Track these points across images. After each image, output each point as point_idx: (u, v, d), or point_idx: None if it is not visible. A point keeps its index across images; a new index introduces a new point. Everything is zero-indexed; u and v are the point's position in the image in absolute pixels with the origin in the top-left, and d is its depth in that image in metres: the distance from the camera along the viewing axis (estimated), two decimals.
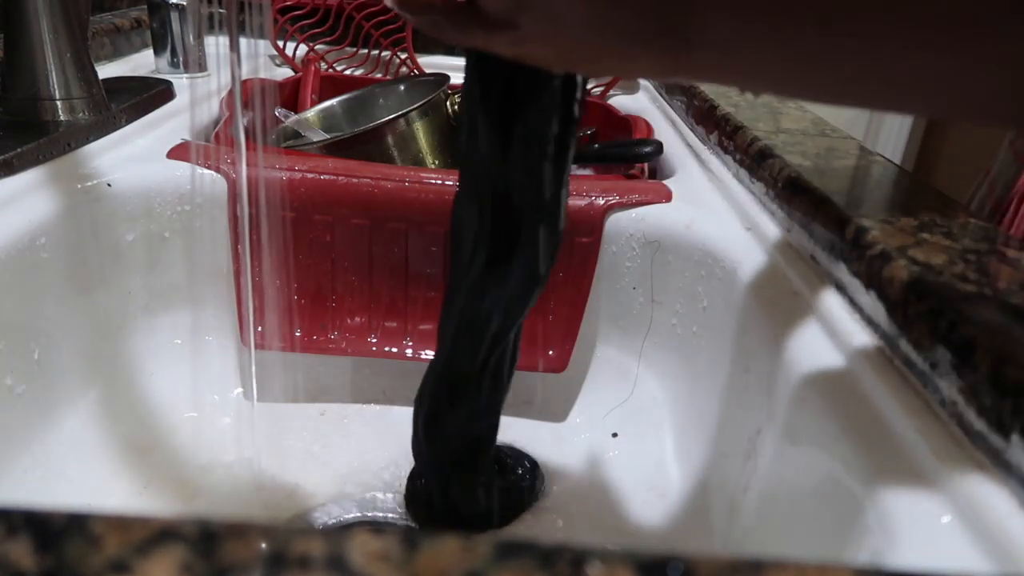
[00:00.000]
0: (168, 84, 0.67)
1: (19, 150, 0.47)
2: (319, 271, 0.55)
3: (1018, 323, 0.29)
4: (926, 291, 0.32)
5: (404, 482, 0.51)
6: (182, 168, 0.53)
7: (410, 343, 0.56)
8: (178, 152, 0.54)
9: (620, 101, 0.87)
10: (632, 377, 0.58)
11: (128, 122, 0.59)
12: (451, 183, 0.53)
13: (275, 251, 0.54)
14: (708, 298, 0.52)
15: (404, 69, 0.91)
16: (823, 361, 0.37)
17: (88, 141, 0.54)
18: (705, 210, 0.54)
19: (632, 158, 0.61)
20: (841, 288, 0.40)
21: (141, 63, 0.80)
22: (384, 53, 0.90)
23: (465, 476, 0.44)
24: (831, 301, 0.40)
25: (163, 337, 0.56)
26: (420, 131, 0.63)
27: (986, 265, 0.34)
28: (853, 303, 0.39)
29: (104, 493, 0.47)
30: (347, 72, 0.89)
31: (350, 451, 0.54)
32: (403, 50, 0.90)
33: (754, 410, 0.43)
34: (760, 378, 0.43)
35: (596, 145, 0.67)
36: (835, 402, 0.35)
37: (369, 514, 0.49)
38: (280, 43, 0.88)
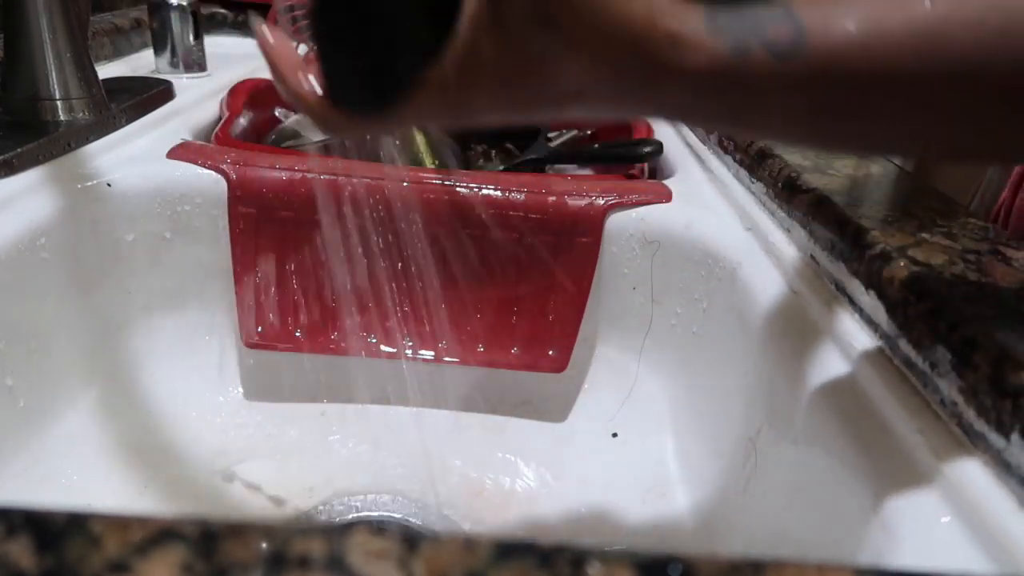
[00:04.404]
0: (168, 84, 0.67)
1: (19, 150, 0.47)
2: (319, 271, 0.55)
3: (1018, 323, 0.29)
4: (926, 291, 0.32)
5: (403, 483, 0.52)
6: (182, 168, 0.53)
7: (410, 343, 0.56)
8: (178, 152, 0.54)
9: None
10: (632, 377, 0.58)
11: (128, 122, 0.58)
12: (450, 183, 0.53)
13: (275, 251, 0.54)
14: (708, 298, 0.52)
15: None
16: (823, 361, 0.37)
17: (88, 141, 0.54)
18: (705, 210, 0.54)
19: (632, 158, 0.61)
20: (841, 288, 0.40)
21: (141, 63, 0.80)
22: None
23: None
24: (831, 301, 0.40)
25: (163, 337, 0.56)
26: (419, 131, 0.63)
27: (986, 265, 0.34)
28: (853, 303, 0.39)
29: (104, 493, 0.47)
30: None
31: (350, 451, 0.54)
32: None
33: (754, 410, 0.43)
34: (760, 378, 0.43)
35: (596, 145, 0.67)
36: (835, 402, 0.35)
37: (369, 514, 0.49)
38: None
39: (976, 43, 0.23)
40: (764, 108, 0.25)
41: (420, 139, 0.63)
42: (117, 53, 0.80)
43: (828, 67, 0.23)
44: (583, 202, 0.53)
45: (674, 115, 0.26)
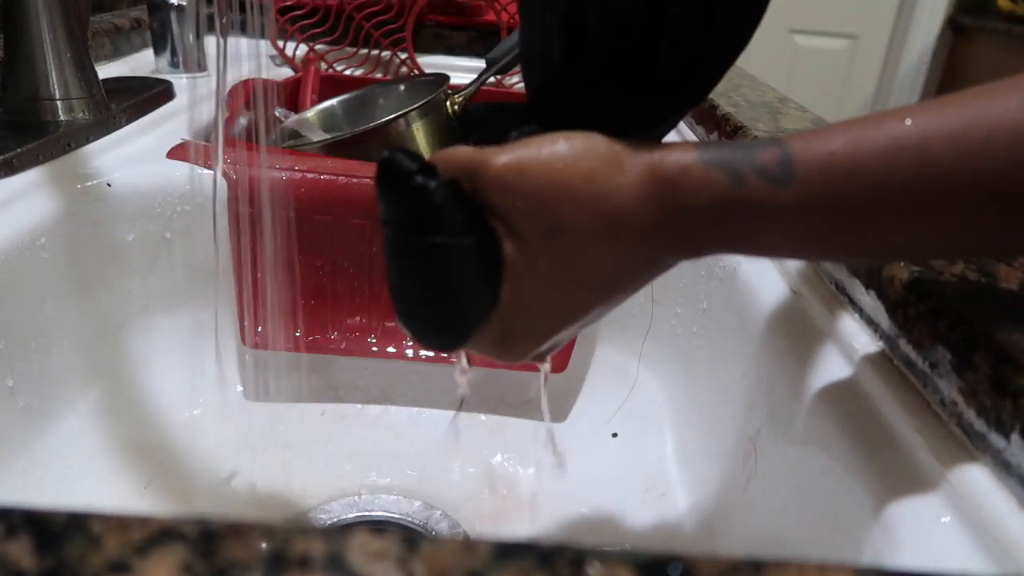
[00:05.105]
0: (168, 84, 0.67)
1: (19, 150, 0.47)
2: (319, 271, 0.55)
3: (1018, 323, 0.29)
4: (926, 291, 0.32)
5: (403, 483, 0.52)
6: (182, 168, 0.53)
7: (410, 343, 0.56)
8: (178, 152, 0.54)
9: None
10: (632, 377, 0.58)
11: (128, 122, 0.58)
12: None
13: (275, 251, 0.54)
14: (708, 298, 0.52)
15: (404, 69, 0.91)
16: (823, 361, 0.37)
17: (88, 141, 0.54)
18: None
19: None
20: (841, 288, 0.40)
21: (141, 63, 0.80)
22: (384, 53, 0.90)
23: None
24: (831, 301, 0.40)
25: (163, 337, 0.56)
26: (420, 131, 0.63)
27: (986, 265, 0.34)
28: (853, 303, 0.39)
29: (104, 493, 0.47)
30: (347, 72, 0.89)
31: (350, 451, 0.54)
32: (403, 50, 0.90)
33: (754, 410, 0.43)
34: (760, 378, 0.43)
35: None
36: (835, 402, 0.35)
37: (369, 514, 0.49)
38: (280, 43, 0.87)
39: (959, 156, 0.24)
40: (772, 233, 0.26)
41: (420, 139, 0.63)
42: (117, 53, 0.80)
43: (821, 188, 0.25)
44: None
45: (694, 253, 0.28)
